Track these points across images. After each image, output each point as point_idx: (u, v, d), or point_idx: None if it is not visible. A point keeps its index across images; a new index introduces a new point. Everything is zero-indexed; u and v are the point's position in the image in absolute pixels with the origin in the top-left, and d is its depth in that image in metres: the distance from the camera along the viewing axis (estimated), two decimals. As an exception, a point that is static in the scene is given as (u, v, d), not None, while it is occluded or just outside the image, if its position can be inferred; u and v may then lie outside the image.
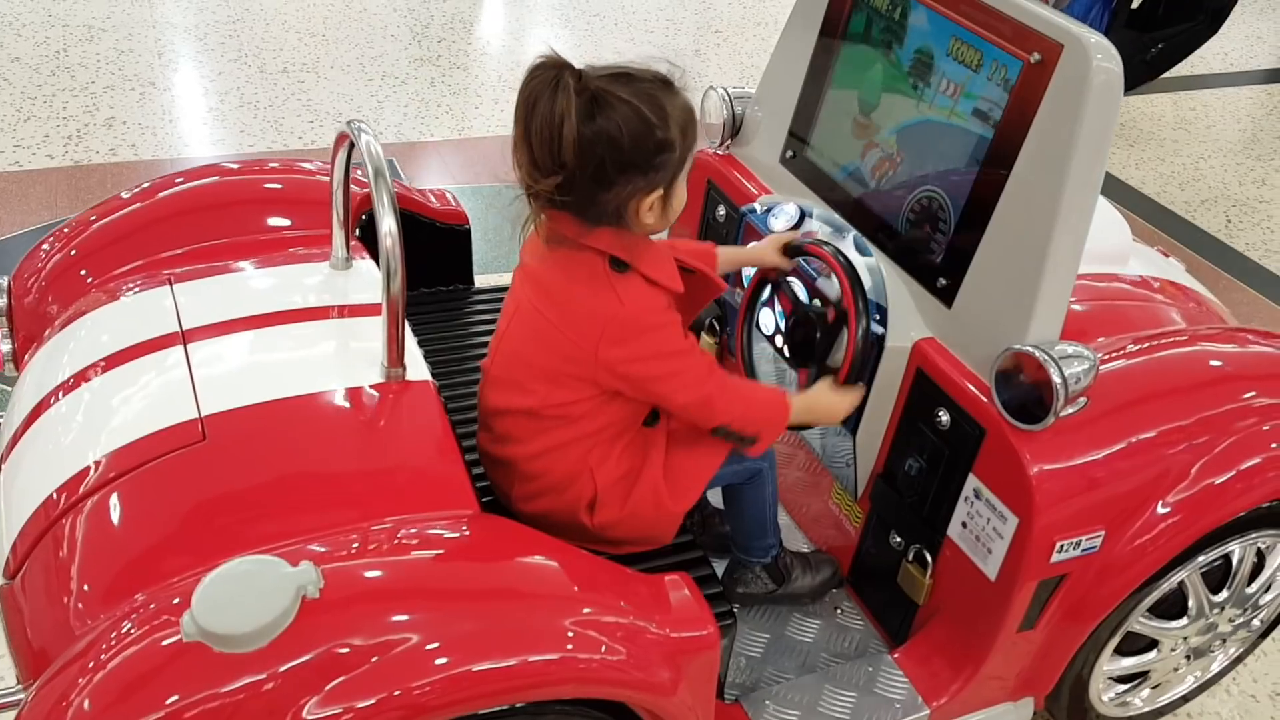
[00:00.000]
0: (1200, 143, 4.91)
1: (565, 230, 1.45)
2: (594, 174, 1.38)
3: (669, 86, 1.42)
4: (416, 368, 1.59)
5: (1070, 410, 1.64)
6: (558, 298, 1.49)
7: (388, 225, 1.50)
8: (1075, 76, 1.54)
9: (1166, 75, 4.26)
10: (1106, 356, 1.81)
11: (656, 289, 1.51)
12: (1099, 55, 1.53)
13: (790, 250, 1.90)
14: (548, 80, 1.34)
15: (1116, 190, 4.42)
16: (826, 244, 1.87)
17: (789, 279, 1.95)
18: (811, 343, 1.89)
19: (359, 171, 1.95)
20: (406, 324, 1.58)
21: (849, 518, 2.05)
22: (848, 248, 1.87)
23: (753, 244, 1.98)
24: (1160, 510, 1.71)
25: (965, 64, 1.72)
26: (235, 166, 2.13)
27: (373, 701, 1.18)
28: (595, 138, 1.35)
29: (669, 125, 1.40)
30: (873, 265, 1.85)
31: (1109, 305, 2.11)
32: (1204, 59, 5.61)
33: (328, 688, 1.16)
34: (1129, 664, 1.96)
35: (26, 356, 1.82)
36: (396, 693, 1.19)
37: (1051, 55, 1.57)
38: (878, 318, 1.81)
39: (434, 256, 2.24)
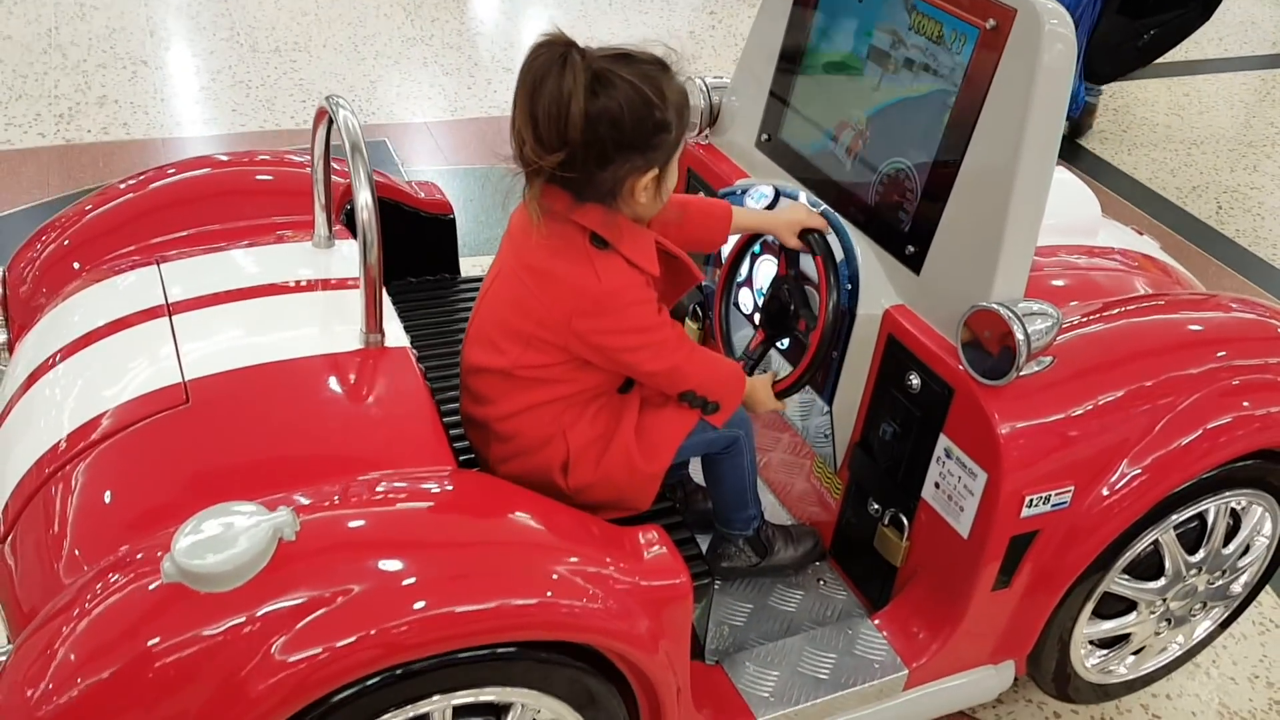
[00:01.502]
0: (1193, 129, 4.92)
1: (556, 204, 1.49)
2: (596, 152, 1.42)
3: (666, 69, 1.47)
4: (395, 335, 1.64)
5: (1035, 368, 1.68)
6: (537, 266, 1.53)
7: (364, 198, 1.55)
8: (1029, 40, 1.59)
9: (1161, 61, 4.28)
10: (1077, 321, 1.85)
11: (634, 269, 1.55)
12: (1052, 20, 1.58)
13: (804, 235, 1.88)
14: (555, 58, 1.38)
15: (1108, 175, 4.44)
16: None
17: (761, 260, 2.01)
18: (787, 311, 1.93)
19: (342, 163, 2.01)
20: (385, 294, 1.62)
21: (829, 490, 2.08)
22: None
23: (775, 211, 1.95)
24: (1129, 468, 1.74)
25: (927, 36, 1.77)
26: (226, 158, 2.19)
27: (352, 639, 1.22)
28: (599, 116, 1.39)
29: (667, 106, 1.45)
30: (844, 237, 1.89)
31: (1080, 275, 2.15)
32: (1198, 44, 5.61)
33: (303, 625, 1.20)
34: (1109, 627, 1.99)
35: (19, 343, 1.87)
36: (373, 631, 1.23)
37: (1006, 21, 1.62)
38: (849, 288, 1.85)
39: (419, 246, 2.29)
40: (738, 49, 5.18)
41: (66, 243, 1.99)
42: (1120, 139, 4.76)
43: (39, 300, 1.94)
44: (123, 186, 2.06)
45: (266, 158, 2.23)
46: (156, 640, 1.20)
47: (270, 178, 2.17)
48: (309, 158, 2.20)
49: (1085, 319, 1.86)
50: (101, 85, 4.24)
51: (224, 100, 4.24)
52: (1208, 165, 4.62)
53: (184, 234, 1.96)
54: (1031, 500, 1.68)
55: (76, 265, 1.96)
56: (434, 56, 4.81)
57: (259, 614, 1.21)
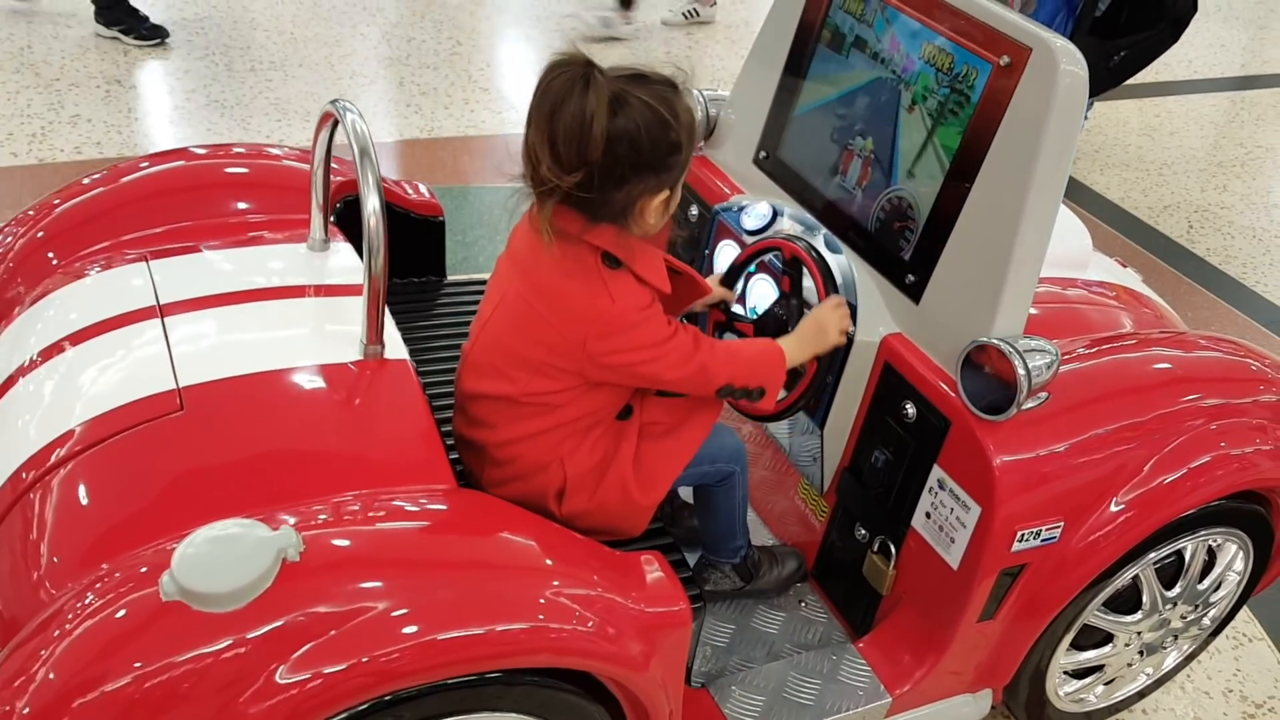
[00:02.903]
0: (1164, 149, 5.02)
1: (569, 226, 1.47)
2: (615, 173, 1.41)
3: (677, 89, 1.46)
4: (395, 346, 1.60)
5: (1032, 403, 1.69)
6: (549, 291, 1.51)
7: (372, 204, 1.52)
8: (1042, 79, 1.59)
9: (1132, 82, 4.37)
10: (1068, 356, 1.87)
11: (645, 287, 1.54)
12: (1065, 59, 1.59)
13: (728, 278, 1.95)
14: (576, 78, 1.36)
15: (1080, 195, 4.50)
16: (799, 239, 1.91)
17: (755, 279, 2.00)
18: (785, 327, 1.92)
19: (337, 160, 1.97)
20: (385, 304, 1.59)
21: (814, 512, 2.08)
22: (819, 244, 1.92)
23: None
24: (1116, 505, 1.76)
25: (937, 67, 1.77)
26: (202, 151, 2.13)
27: (343, 667, 1.19)
28: (619, 136, 1.38)
29: (680, 127, 1.44)
30: (843, 262, 1.89)
31: (1070, 309, 2.17)
32: (1169, 66, 5.72)
33: (300, 651, 1.17)
34: (1085, 658, 2.01)
35: (-2, 335, 1.81)
36: (365, 659, 1.20)
37: (1020, 59, 1.62)
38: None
39: (407, 247, 2.25)
40: (713, 68, 5.20)
41: (40, 234, 1.93)
42: (1092, 159, 4.84)
43: (12, 293, 1.88)
44: (94, 180, 2.01)
45: (242, 151, 2.18)
46: (150, 660, 1.16)
47: (246, 170, 2.11)
48: (287, 149, 2.17)
49: (1077, 355, 1.88)
50: (75, 104, 4.15)
51: (199, 119, 4.17)
52: (1178, 185, 4.71)
53: (160, 229, 1.90)
54: (1023, 535, 1.69)
55: (50, 255, 1.90)
56: (411, 76, 4.77)
57: (261, 635, 1.17)
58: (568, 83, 1.36)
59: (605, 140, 1.36)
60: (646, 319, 1.53)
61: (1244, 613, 2.52)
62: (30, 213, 1.98)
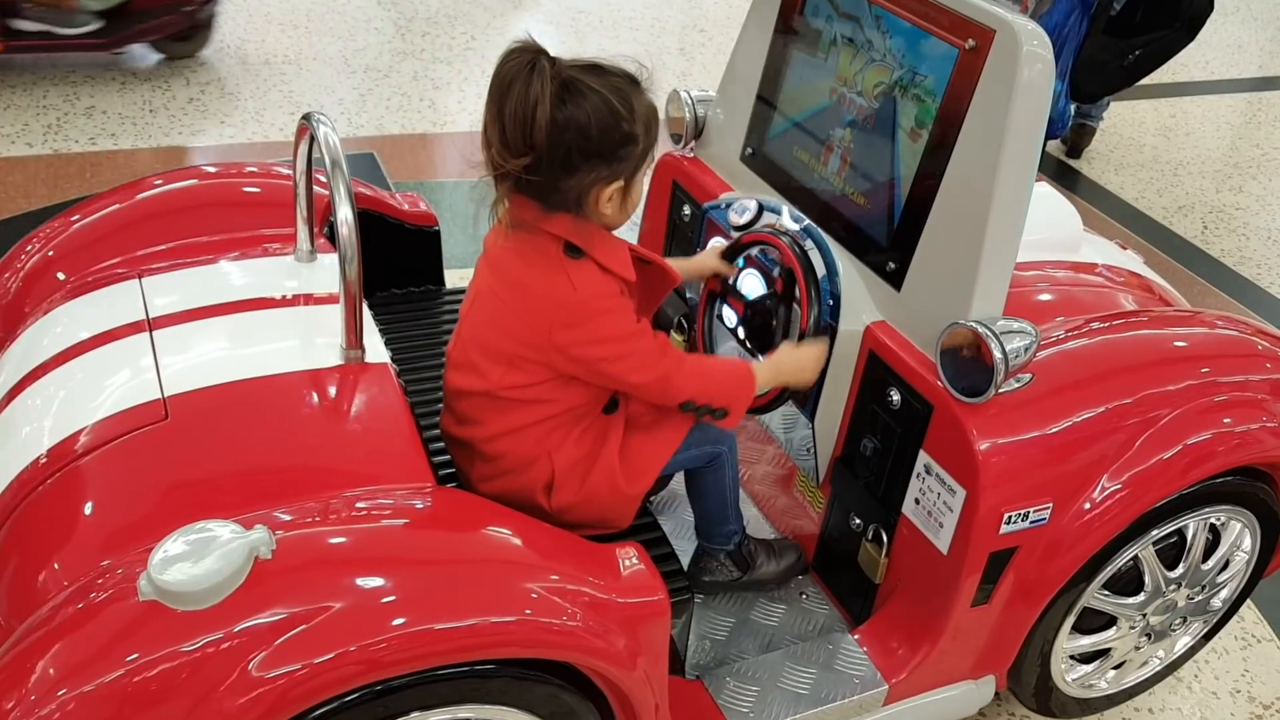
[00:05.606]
0: (1180, 150, 4.98)
1: (525, 214, 1.50)
2: (561, 159, 1.43)
3: (636, 84, 1.49)
4: (375, 351, 1.64)
5: (1013, 385, 1.69)
6: (513, 281, 1.54)
7: (344, 214, 1.56)
8: (1007, 60, 1.60)
9: (1148, 82, 4.34)
10: (1057, 337, 1.86)
11: (609, 276, 1.56)
12: (1031, 41, 1.59)
13: (729, 253, 1.96)
14: (524, 64, 1.40)
15: (1095, 195, 4.48)
16: (784, 234, 1.92)
17: (744, 274, 2.01)
18: (769, 325, 1.93)
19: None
20: (366, 310, 1.63)
21: (812, 504, 2.09)
22: (802, 237, 1.93)
23: (696, 255, 2.01)
24: (1108, 484, 1.75)
25: (907, 55, 1.78)
26: (213, 170, 2.19)
27: (330, 656, 1.22)
28: (566, 123, 1.40)
29: (635, 120, 1.46)
30: (827, 253, 1.90)
31: (1062, 290, 2.16)
32: (1186, 66, 5.68)
33: (279, 642, 1.20)
34: (1088, 642, 1.99)
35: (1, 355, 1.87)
36: (352, 648, 1.23)
37: (985, 41, 1.63)
38: (831, 304, 1.86)
39: (404, 258, 2.30)
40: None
41: (51, 253, 1.99)
42: (1108, 159, 4.81)
43: (23, 311, 1.94)
44: (108, 197, 2.06)
45: (254, 170, 2.23)
46: (134, 657, 1.20)
47: (257, 190, 2.17)
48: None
49: (1065, 335, 1.87)
50: (90, 96, 4.25)
51: (213, 111, 4.25)
52: (1194, 186, 4.67)
53: (169, 245, 1.96)
54: (1010, 517, 1.68)
55: (61, 276, 1.96)
56: (424, 70, 4.83)
57: (235, 631, 1.21)
58: (516, 68, 1.39)
59: (550, 125, 1.39)
60: (611, 309, 1.54)
61: (1253, 613, 2.49)
62: (45, 230, 2.04)
